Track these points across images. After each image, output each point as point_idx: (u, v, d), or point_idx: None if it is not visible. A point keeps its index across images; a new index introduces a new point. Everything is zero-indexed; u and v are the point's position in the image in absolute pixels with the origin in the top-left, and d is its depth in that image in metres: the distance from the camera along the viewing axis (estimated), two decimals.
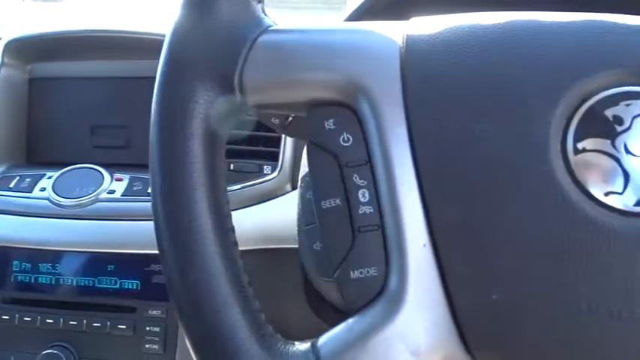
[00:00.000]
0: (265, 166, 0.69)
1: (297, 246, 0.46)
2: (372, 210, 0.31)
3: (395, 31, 0.32)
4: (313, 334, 0.32)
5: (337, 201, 0.31)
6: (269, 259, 0.68)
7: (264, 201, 0.69)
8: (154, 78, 0.32)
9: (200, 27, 0.33)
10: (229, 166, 0.69)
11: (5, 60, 0.78)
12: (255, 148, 0.71)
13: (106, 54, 0.78)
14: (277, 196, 0.69)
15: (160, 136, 0.32)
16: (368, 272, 0.30)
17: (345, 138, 0.31)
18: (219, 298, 0.30)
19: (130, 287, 0.67)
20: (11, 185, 0.72)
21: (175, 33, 0.33)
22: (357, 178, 0.31)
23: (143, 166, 0.73)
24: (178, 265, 0.31)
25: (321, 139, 0.32)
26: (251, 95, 0.32)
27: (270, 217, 0.68)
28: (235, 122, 0.34)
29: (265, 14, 0.34)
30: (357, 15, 0.63)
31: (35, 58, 0.79)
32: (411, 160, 0.30)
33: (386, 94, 0.30)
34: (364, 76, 0.31)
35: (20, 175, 0.74)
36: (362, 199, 0.31)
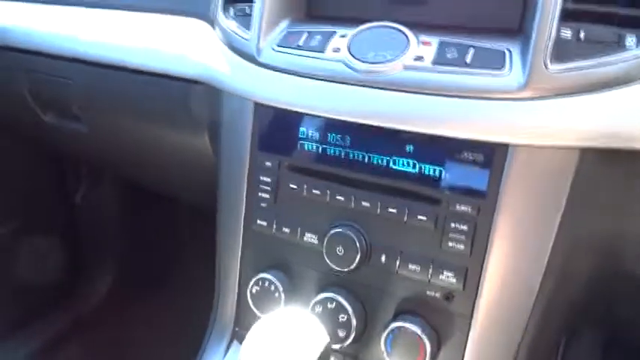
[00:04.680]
0: (629, 36, 0.51)
1: None
2: None
3: None
4: None
5: None
6: (612, 161, 0.53)
7: (619, 85, 0.52)
8: None
9: None
10: (577, 33, 0.52)
11: None
12: (615, 9, 0.52)
13: None
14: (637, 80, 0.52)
15: None
16: None
17: None
18: None
19: (433, 174, 0.57)
20: (300, 43, 0.64)
21: None
22: None
23: (450, 28, 0.60)
24: None
25: None
26: None
27: (622, 107, 0.51)
28: None
29: None
30: None
31: None
32: None
33: None
34: None
35: (308, 32, 0.65)
36: None
